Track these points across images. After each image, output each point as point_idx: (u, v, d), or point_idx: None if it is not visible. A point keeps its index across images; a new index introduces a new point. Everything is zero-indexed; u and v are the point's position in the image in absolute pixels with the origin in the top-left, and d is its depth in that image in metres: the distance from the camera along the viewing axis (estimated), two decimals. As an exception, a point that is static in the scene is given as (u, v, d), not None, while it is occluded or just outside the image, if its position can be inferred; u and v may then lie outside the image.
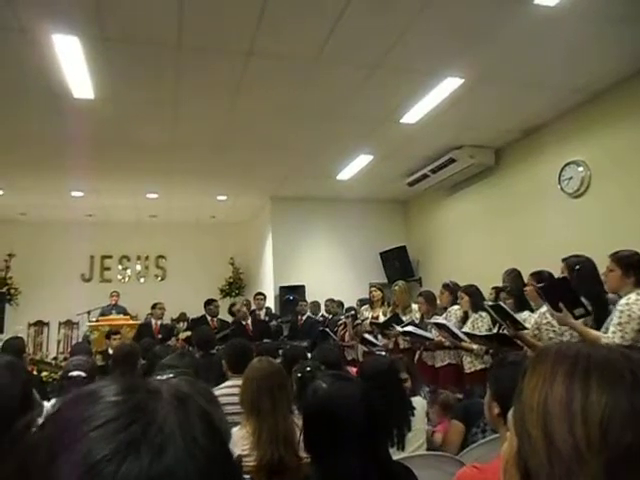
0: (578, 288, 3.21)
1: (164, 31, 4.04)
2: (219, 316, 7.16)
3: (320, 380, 1.52)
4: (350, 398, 1.43)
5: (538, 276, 3.81)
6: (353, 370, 3.54)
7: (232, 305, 7.43)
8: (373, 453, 1.38)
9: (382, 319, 5.58)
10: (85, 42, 4.11)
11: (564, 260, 3.54)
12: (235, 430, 2.18)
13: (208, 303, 7.06)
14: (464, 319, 4.63)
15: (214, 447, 0.46)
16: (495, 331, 4.03)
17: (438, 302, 5.14)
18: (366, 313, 6.23)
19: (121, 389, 0.47)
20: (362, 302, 6.95)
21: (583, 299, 3.16)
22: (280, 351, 4.24)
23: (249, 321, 6.87)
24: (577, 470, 0.56)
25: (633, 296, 2.85)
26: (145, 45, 4.24)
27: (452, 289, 4.99)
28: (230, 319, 7.17)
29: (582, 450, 0.56)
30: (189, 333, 6.10)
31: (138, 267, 11.21)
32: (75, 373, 2.75)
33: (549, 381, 0.61)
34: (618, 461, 0.54)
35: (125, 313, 8.85)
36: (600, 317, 3.14)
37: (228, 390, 2.78)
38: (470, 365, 4.48)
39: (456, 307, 4.84)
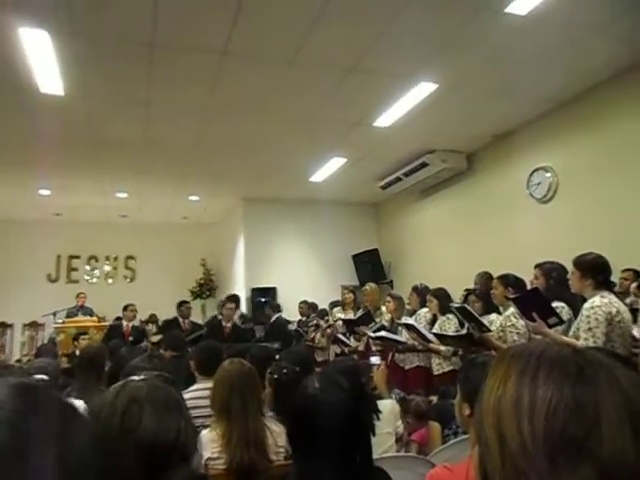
0: (556, 294, 3.28)
1: (138, 28, 3.98)
2: (191, 318, 7.07)
3: (312, 378, 1.51)
4: (337, 400, 1.42)
5: (504, 279, 3.87)
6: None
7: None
8: (352, 455, 1.38)
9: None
10: (55, 37, 4.01)
11: (538, 266, 3.58)
12: (204, 433, 2.15)
13: (180, 305, 6.99)
14: (433, 321, 4.67)
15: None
16: (464, 332, 4.08)
17: (408, 306, 5.18)
18: (338, 314, 6.25)
19: None
20: (334, 304, 6.96)
21: (564, 306, 3.23)
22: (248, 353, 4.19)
23: (229, 324, 6.73)
24: (524, 466, 0.55)
25: (597, 299, 2.88)
26: (118, 42, 4.17)
27: (421, 292, 5.03)
28: (199, 320, 7.04)
29: (528, 445, 0.55)
30: (160, 336, 5.98)
31: (107, 268, 10.99)
32: (37, 377, 2.68)
33: (503, 382, 0.61)
34: (561, 452, 0.54)
35: (92, 315, 8.68)
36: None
37: (196, 393, 2.74)
38: (438, 367, 4.51)
39: (425, 310, 4.88)
